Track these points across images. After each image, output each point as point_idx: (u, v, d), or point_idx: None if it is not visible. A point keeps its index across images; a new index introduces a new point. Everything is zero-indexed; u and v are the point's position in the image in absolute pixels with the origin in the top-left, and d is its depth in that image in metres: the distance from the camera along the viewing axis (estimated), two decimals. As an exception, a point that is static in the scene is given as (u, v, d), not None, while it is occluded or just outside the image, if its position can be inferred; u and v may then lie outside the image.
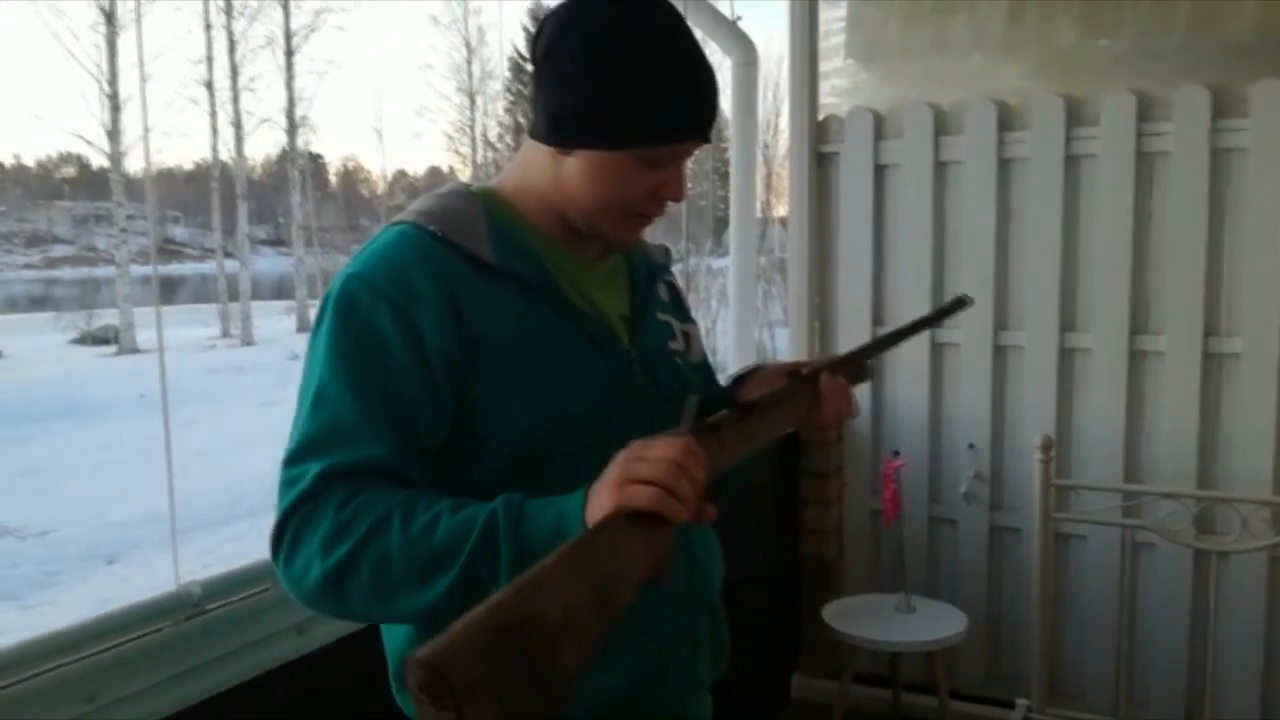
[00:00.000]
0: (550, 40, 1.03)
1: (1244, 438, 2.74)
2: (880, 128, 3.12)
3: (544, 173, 1.08)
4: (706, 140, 1.06)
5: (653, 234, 1.24)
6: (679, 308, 1.26)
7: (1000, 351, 3.02)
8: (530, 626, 0.69)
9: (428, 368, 0.97)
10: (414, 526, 0.89)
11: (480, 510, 0.89)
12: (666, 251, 1.28)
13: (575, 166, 1.05)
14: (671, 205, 1.10)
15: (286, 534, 0.92)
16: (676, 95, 1.02)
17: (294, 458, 0.94)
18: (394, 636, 1.08)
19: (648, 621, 1.03)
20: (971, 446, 3.06)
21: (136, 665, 1.28)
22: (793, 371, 1.17)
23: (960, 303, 1.43)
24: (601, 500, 0.85)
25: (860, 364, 1.26)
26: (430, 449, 0.99)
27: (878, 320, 3.17)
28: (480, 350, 0.99)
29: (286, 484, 0.93)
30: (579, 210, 1.07)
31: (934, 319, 1.49)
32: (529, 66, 1.11)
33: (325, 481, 0.92)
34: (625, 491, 0.84)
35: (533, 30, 1.09)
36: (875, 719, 3.10)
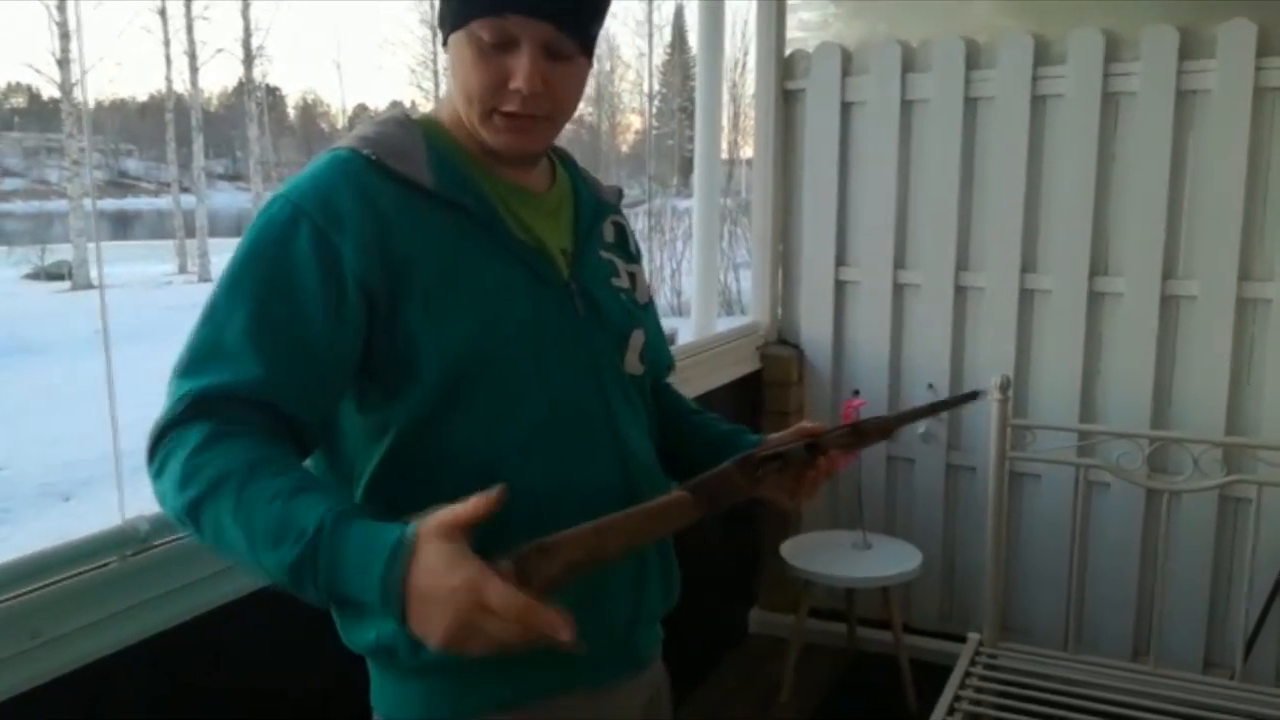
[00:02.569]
0: None
1: (1198, 379, 2.77)
2: (848, 64, 3.08)
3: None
4: (550, 20, 0.98)
5: (617, 175, 1.21)
6: (624, 248, 1.23)
7: (961, 292, 3.02)
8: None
9: (340, 292, 0.95)
10: (248, 497, 0.85)
11: (309, 517, 0.83)
12: (619, 192, 1.26)
13: (448, 64, 1.04)
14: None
15: (157, 454, 0.91)
16: None
17: (176, 370, 0.93)
18: None
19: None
20: (930, 386, 3.08)
21: (82, 600, 1.26)
22: (810, 444, 1.07)
23: (974, 395, 1.37)
24: (431, 638, 0.80)
25: (868, 438, 1.14)
26: (329, 377, 0.97)
27: (841, 260, 3.16)
28: (408, 275, 0.97)
29: (167, 396, 0.92)
30: (460, 111, 1.05)
31: (947, 405, 1.44)
32: None
33: (194, 407, 0.90)
34: (464, 642, 0.80)
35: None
36: (831, 653, 3.16)
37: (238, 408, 0.91)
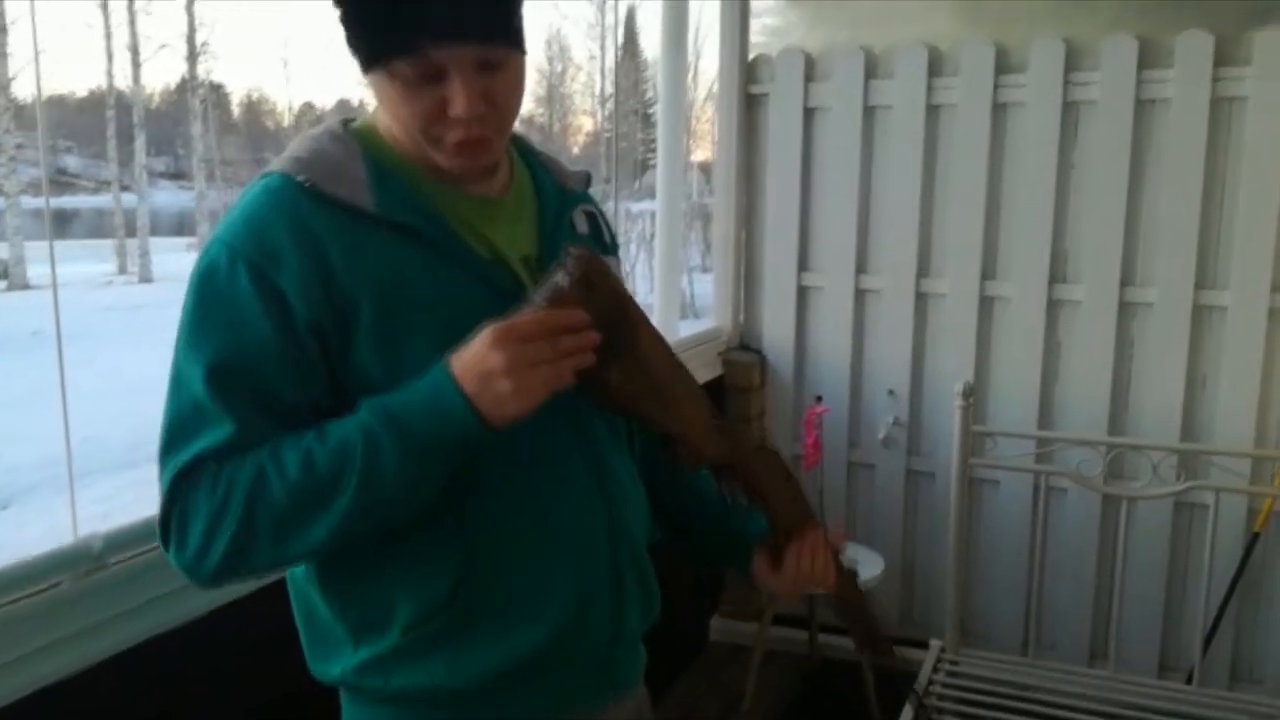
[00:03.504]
0: None
1: (1155, 386, 2.80)
2: (811, 70, 3.07)
3: None
4: (473, 40, 0.90)
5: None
6: (598, 240, 1.14)
7: (922, 298, 3.03)
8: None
9: (291, 334, 0.90)
10: (290, 470, 0.88)
11: (350, 427, 0.88)
12: (586, 178, 1.17)
13: (374, 94, 0.98)
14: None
15: (171, 533, 0.91)
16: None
17: (162, 451, 0.92)
18: (302, 600, 1.04)
19: (567, 577, 1.00)
20: (891, 393, 3.09)
21: (33, 623, 1.20)
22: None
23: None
24: (508, 405, 0.87)
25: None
26: (301, 418, 0.92)
27: (803, 266, 3.15)
28: (354, 309, 0.91)
29: (161, 479, 0.92)
30: (401, 141, 0.98)
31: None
32: None
33: (185, 476, 0.90)
34: (535, 392, 0.87)
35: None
36: (793, 660, 3.15)
37: (226, 458, 0.90)
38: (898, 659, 1.35)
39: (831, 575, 1.15)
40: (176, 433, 0.91)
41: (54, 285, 1.26)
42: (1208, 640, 2.60)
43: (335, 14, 0.92)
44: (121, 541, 1.30)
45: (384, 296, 0.92)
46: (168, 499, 0.91)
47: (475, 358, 0.87)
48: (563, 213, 1.09)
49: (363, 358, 0.92)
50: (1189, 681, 2.66)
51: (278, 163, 0.96)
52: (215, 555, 0.89)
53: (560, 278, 0.90)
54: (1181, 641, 2.86)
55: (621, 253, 1.17)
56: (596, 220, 1.15)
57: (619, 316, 0.92)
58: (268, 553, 0.90)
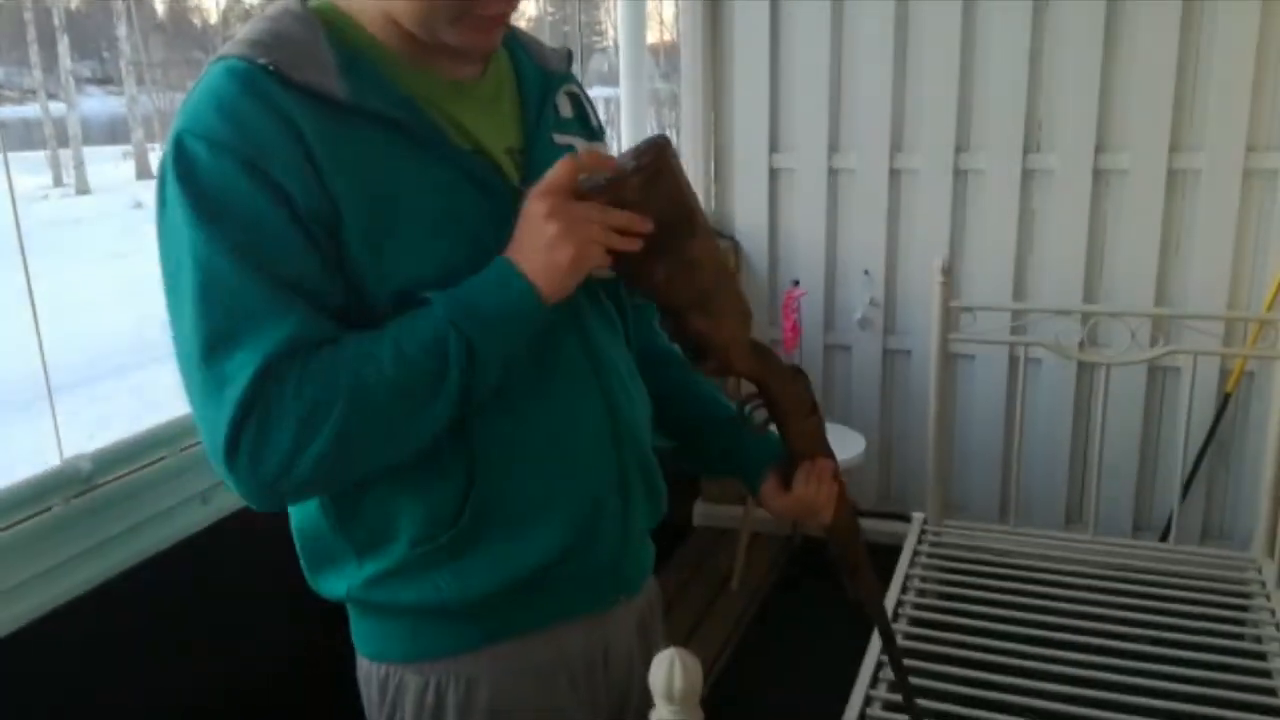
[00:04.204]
0: None
1: (1128, 253, 2.81)
2: (775, -58, 2.95)
3: None
4: None
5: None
6: (585, 124, 1.08)
7: (895, 175, 2.99)
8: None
9: (302, 226, 0.83)
10: (385, 366, 0.83)
11: (426, 318, 0.85)
12: (567, 56, 1.08)
13: None
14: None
15: (243, 443, 0.81)
16: None
17: (205, 358, 0.81)
18: (301, 517, 0.99)
19: (575, 483, 0.98)
20: (866, 273, 3.07)
21: (25, 550, 1.16)
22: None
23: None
24: (561, 263, 0.86)
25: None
26: (338, 310, 0.86)
27: (774, 148, 3.09)
28: (341, 203, 0.84)
29: (210, 389, 0.81)
30: (411, 15, 0.88)
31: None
32: None
33: (261, 379, 0.80)
34: (587, 257, 0.87)
35: None
36: (778, 540, 3.20)
37: (300, 355, 0.82)
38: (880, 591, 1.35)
39: (833, 507, 1.14)
40: (223, 336, 0.81)
41: (12, 197, 1.19)
42: (1181, 499, 2.66)
43: None
44: (110, 461, 1.26)
45: (365, 191, 0.85)
46: (241, 407, 0.80)
47: (523, 227, 0.87)
48: (546, 97, 1.02)
49: (351, 256, 0.85)
50: (1163, 539, 2.74)
51: (232, 46, 0.86)
52: (305, 463, 0.82)
53: (628, 161, 0.88)
54: (1155, 503, 2.94)
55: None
56: (580, 102, 1.08)
57: (679, 216, 0.90)
58: (370, 457, 0.86)
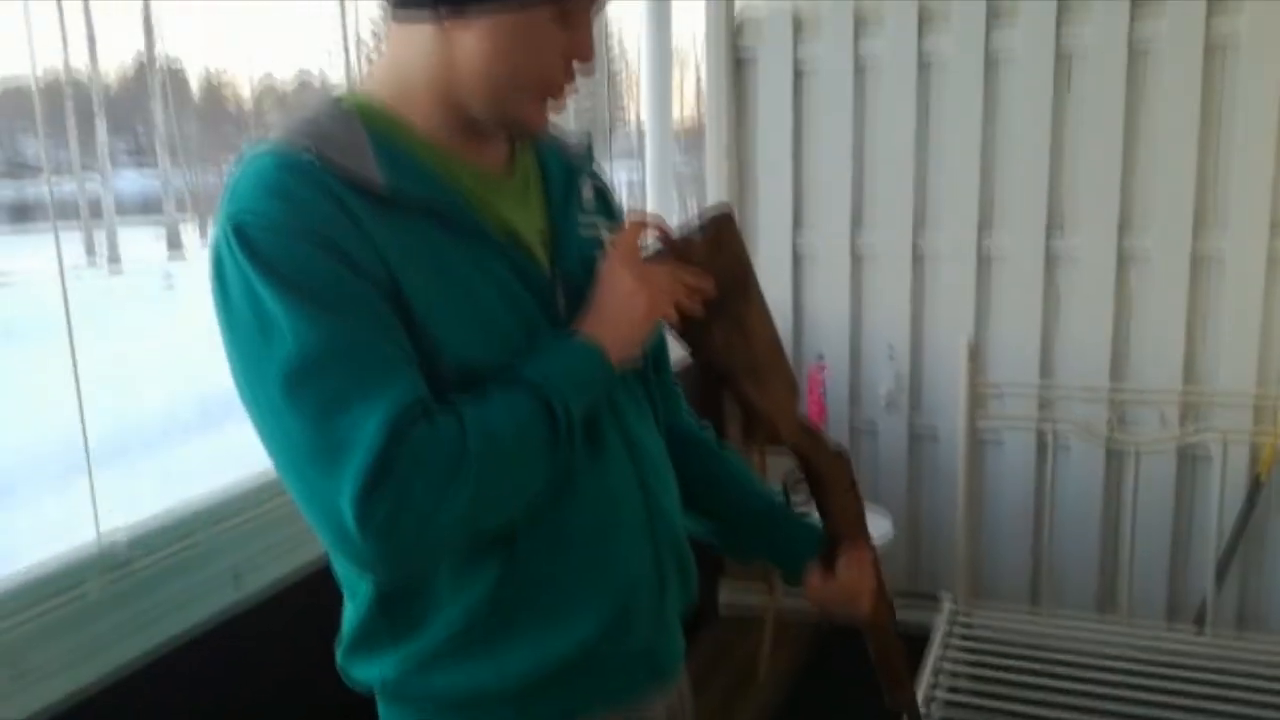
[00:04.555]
0: None
1: (1154, 335, 2.80)
2: (799, 29, 3.02)
3: (429, 61, 0.90)
4: None
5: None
6: (607, 206, 1.10)
7: (919, 255, 3.01)
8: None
9: (381, 293, 0.83)
10: (499, 422, 0.84)
11: (525, 386, 0.87)
12: (588, 145, 1.10)
13: (477, 39, 0.87)
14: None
15: (376, 508, 0.78)
16: None
17: (315, 433, 0.79)
18: (354, 606, 0.98)
19: (612, 570, 0.97)
20: (891, 352, 3.07)
21: (58, 631, 1.16)
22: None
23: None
24: (638, 313, 0.92)
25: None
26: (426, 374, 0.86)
27: (798, 226, 3.12)
28: (405, 284, 0.84)
29: (325, 461, 0.79)
30: (486, 96, 0.90)
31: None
32: None
33: (390, 442, 0.78)
34: (660, 308, 0.93)
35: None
36: (805, 626, 3.15)
37: (420, 418, 0.81)
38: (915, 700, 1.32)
39: (870, 598, 1.13)
40: (335, 407, 0.79)
41: (61, 275, 1.22)
42: (1216, 586, 2.61)
43: None
44: (146, 541, 1.26)
45: (421, 271, 0.86)
46: (370, 473, 0.77)
47: (598, 297, 0.93)
48: (570, 185, 1.04)
49: (415, 327, 0.86)
50: (1198, 626, 2.68)
51: (270, 140, 0.87)
52: (444, 525, 0.81)
53: (694, 230, 0.93)
54: (1188, 588, 2.88)
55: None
56: (602, 187, 1.11)
57: (738, 283, 0.96)
58: (497, 514, 0.87)
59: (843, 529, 1.10)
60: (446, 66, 0.89)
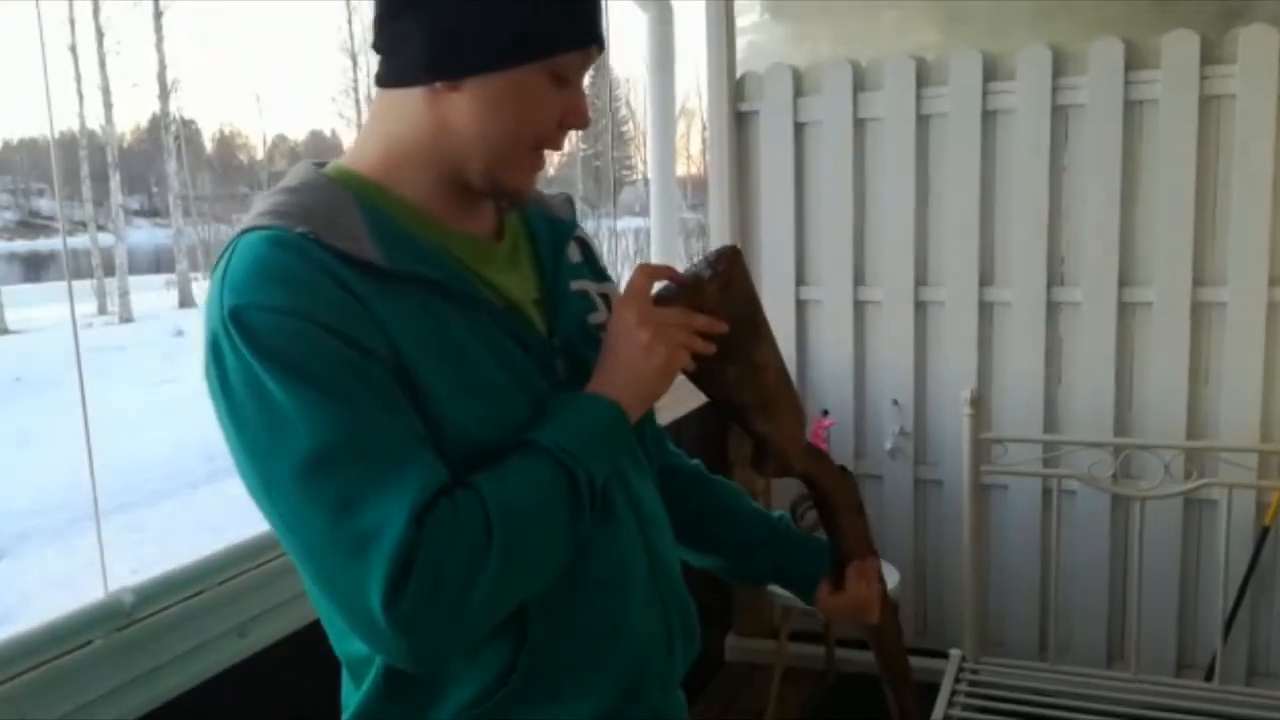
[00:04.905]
0: None
1: (1158, 384, 2.81)
2: (799, 85, 3.08)
3: (418, 127, 0.89)
4: (598, 44, 0.91)
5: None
6: (593, 266, 1.08)
7: (921, 307, 3.04)
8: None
9: (389, 373, 0.81)
10: (518, 496, 0.82)
11: (543, 454, 0.85)
12: (569, 202, 1.09)
13: (469, 102, 0.87)
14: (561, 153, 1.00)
15: (405, 596, 0.76)
16: None
17: (335, 523, 0.77)
18: (347, 679, 0.97)
19: (623, 634, 0.96)
20: (895, 402, 3.09)
21: (64, 684, 1.17)
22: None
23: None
24: (655, 367, 0.90)
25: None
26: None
27: (801, 280, 3.16)
28: (409, 359, 0.83)
29: (348, 552, 0.77)
30: (478, 159, 0.89)
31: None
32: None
33: (414, 527, 0.76)
34: (677, 359, 0.91)
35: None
36: (811, 676, 3.13)
37: (441, 499, 0.80)
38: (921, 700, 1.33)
39: (878, 606, 1.15)
40: (354, 494, 0.77)
41: (74, 328, 1.25)
42: (1224, 637, 2.60)
43: (465, 8, 0.85)
44: (152, 594, 1.27)
45: (423, 345, 0.84)
46: (397, 560, 0.75)
47: (609, 345, 0.91)
48: (558, 246, 1.03)
49: (421, 402, 0.84)
50: (1208, 677, 2.66)
51: (259, 218, 0.84)
52: (476, 607, 0.79)
53: (703, 269, 0.94)
54: (1198, 639, 2.86)
55: (609, 270, 1.15)
56: (588, 247, 1.10)
57: (748, 320, 0.96)
58: (526, 590, 0.85)
59: (851, 544, 1.12)
60: (438, 130, 0.88)
